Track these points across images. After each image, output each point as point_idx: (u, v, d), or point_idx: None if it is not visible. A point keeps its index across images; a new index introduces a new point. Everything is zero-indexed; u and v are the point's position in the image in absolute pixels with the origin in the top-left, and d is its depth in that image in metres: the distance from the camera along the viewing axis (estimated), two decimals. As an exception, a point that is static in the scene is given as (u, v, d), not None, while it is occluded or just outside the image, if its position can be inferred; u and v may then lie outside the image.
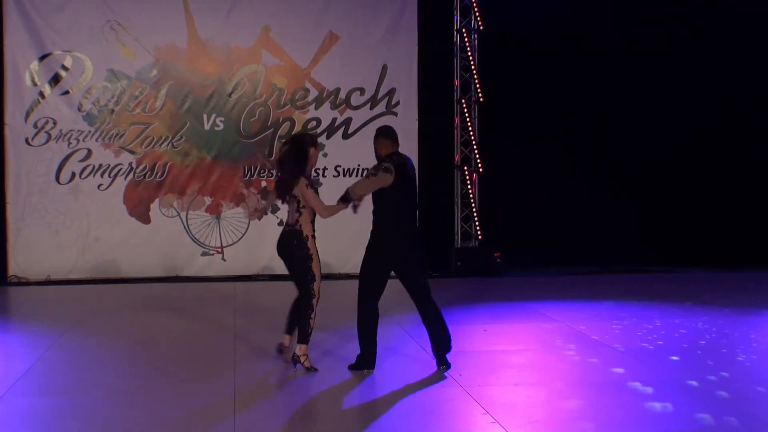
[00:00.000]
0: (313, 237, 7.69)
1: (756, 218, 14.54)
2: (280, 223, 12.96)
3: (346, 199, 7.55)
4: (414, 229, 7.71)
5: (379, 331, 7.63)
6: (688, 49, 14.41)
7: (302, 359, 7.60)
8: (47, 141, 13.19)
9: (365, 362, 7.63)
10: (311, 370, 7.59)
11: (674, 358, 8.09)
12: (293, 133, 13.41)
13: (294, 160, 7.67)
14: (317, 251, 7.71)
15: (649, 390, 6.97)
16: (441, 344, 7.65)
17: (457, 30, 14.10)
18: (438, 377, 7.43)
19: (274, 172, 7.60)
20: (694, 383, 7.17)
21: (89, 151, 13.28)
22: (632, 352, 8.26)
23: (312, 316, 7.63)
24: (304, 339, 7.62)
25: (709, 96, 14.43)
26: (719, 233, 14.39)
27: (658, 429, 6.06)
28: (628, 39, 14.42)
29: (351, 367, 7.67)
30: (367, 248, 7.62)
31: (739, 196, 14.60)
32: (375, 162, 7.74)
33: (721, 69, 14.46)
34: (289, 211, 7.77)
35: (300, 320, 7.64)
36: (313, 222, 7.71)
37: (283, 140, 7.59)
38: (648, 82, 14.50)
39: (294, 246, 7.64)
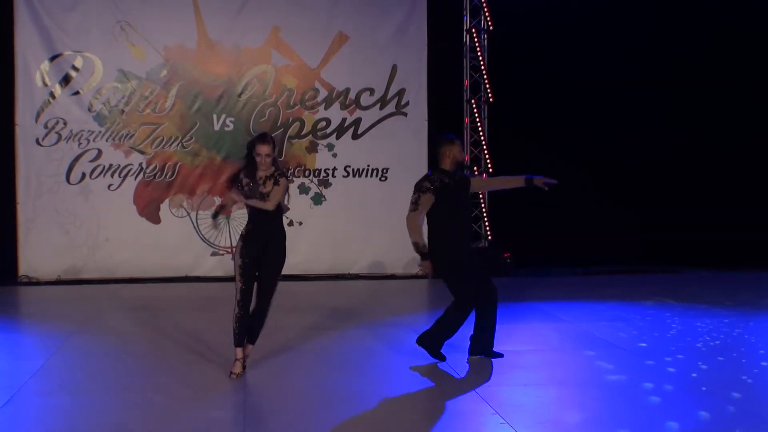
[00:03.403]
0: None
1: (760, 219, 14.51)
2: (290, 224, 12.99)
3: (420, 252, 7.68)
4: (461, 237, 7.86)
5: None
6: (691, 49, 14.40)
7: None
8: (57, 141, 13.23)
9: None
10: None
11: (683, 358, 8.07)
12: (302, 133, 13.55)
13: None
14: None
15: (658, 392, 6.96)
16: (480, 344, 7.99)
17: (466, 30, 14.09)
18: (447, 377, 7.42)
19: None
20: (705, 386, 7.15)
21: (99, 152, 13.32)
22: (641, 353, 8.24)
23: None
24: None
25: (710, 97, 14.44)
26: (725, 234, 14.33)
27: (668, 431, 6.05)
28: (635, 40, 14.39)
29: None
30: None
31: (741, 197, 14.57)
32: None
33: (723, 72, 14.45)
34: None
35: (262, 323, 7.56)
36: None
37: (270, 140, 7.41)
38: (652, 82, 14.48)
39: (282, 245, 7.55)
